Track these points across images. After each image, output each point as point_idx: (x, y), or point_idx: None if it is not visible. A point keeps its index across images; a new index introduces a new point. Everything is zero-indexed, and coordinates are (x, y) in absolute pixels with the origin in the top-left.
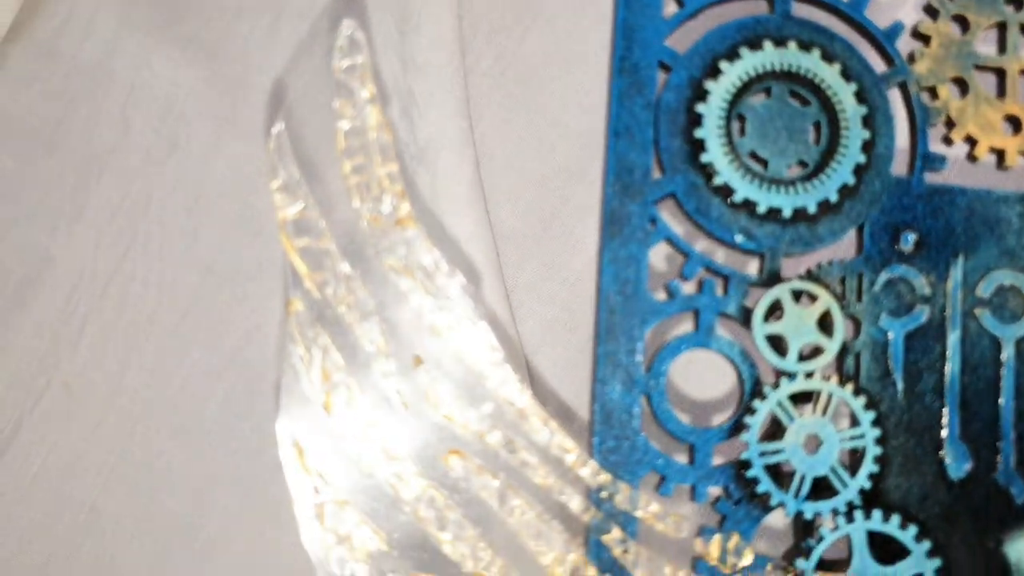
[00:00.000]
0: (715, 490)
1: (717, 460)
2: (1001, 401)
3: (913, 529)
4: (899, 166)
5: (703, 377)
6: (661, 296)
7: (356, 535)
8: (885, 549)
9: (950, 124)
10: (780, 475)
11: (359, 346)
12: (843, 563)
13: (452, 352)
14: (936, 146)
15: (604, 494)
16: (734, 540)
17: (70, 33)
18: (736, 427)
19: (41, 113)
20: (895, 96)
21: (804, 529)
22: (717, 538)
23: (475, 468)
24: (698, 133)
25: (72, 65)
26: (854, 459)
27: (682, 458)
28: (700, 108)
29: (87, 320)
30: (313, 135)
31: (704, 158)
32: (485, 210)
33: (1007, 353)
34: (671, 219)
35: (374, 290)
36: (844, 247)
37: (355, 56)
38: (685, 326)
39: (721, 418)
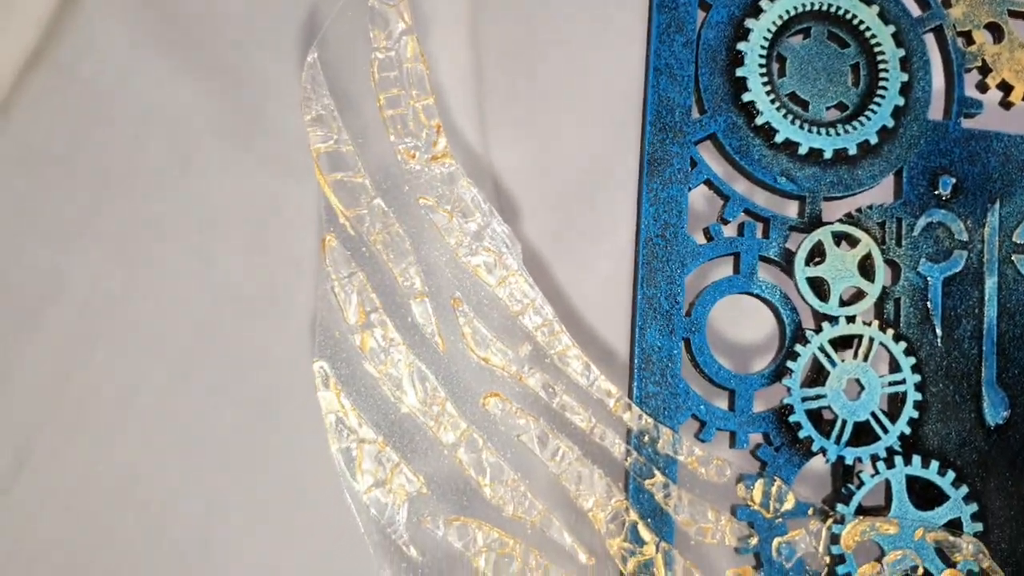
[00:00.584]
0: (755, 436)
1: (758, 406)
2: None
3: (951, 475)
4: (935, 111)
5: (744, 322)
6: (701, 239)
7: (394, 478)
8: (922, 495)
9: (985, 70)
10: (820, 421)
11: (395, 285)
12: (881, 509)
13: (490, 293)
14: (971, 91)
15: (646, 439)
16: (777, 485)
17: (88, 58)
18: (778, 372)
19: (57, 135)
20: (930, 40)
21: (844, 475)
22: (760, 483)
23: (514, 411)
24: (740, 72)
25: (89, 89)
26: (893, 405)
27: (722, 404)
28: (742, 46)
29: (99, 339)
30: (347, 66)
31: (746, 97)
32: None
33: None
34: (712, 160)
35: (410, 228)
36: (881, 192)
37: None
38: (725, 269)
39: (762, 363)
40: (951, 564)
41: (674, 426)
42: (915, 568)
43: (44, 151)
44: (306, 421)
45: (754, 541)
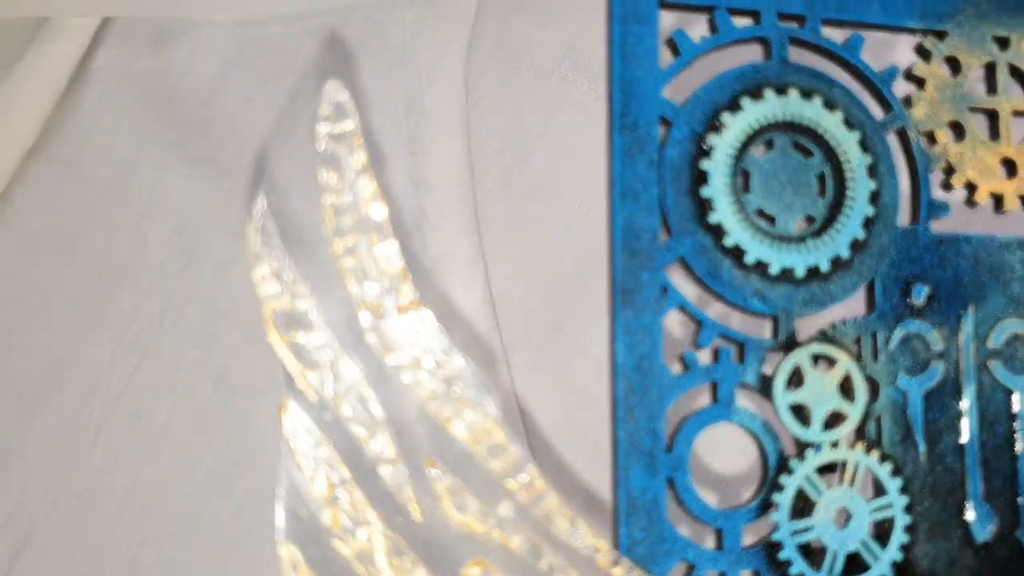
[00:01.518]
0: (746, 574)
1: (746, 540)
2: (1018, 456)
3: None
4: (902, 215)
5: (725, 452)
6: (676, 368)
7: None
8: None
9: (949, 170)
10: (810, 553)
11: (363, 451)
12: None
13: (466, 450)
14: (936, 192)
15: None
16: None
17: (90, 151)
18: (764, 505)
19: (61, 227)
20: (893, 141)
21: None
22: None
23: None
24: (704, 192)
25: (91, 181)
26: (879, 528)
27: (710, 542)
28: (705, 165)
29: (101, 430)
30: (300, 212)
31: (712, 218)
32: (495, 321)
33: (1020, 405)
34: (682, 284)
35: (377, 386)
36: (853, 303)
37: (342, 122)
38: (703, 399)
39: (746, 495)
40: None
41: (663, 573)
42: None
43: (46, 241)
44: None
45: None
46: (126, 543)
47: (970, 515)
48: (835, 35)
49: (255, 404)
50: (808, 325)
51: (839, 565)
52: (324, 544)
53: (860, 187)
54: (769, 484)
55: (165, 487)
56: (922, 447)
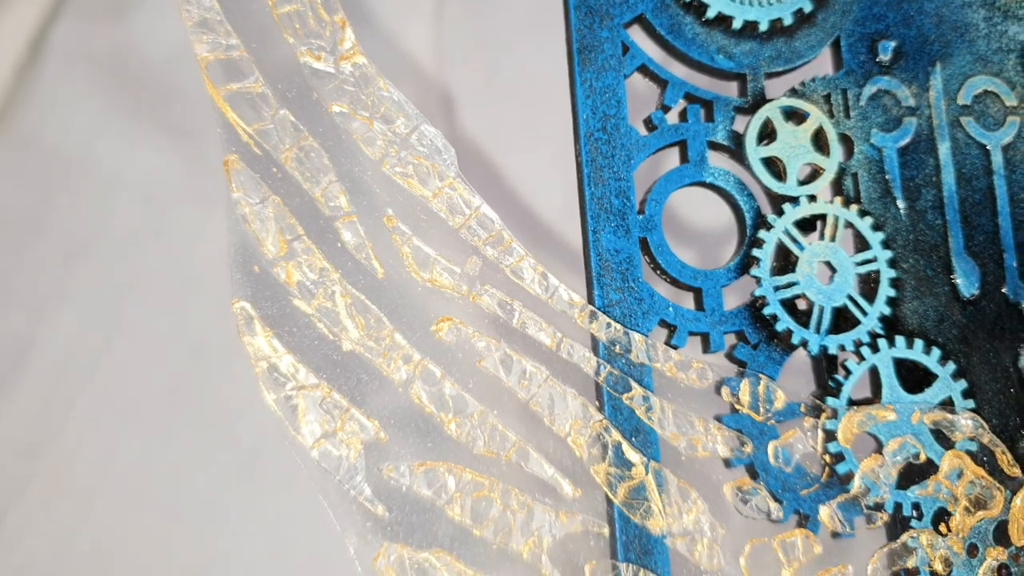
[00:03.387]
0: (730, 337)
1: (728, 304)
2: (999, 212)
3: (936, 352)
4: None
5: (700, 214)
6: (643, 130)
7: (345, 425)
8: (908, 378)
9: None
10: (796, 312)
11: (317, 207)
12: (870, 400)
13: (427, 207)
14: None
15: (617, 348)
16: (764, 384)
17: (52, 124)
18: (744, 264)
19: (23, 203)
20: None
21: (828, 367)
22: (746, 384)
23: (471, 334)
24: None
25: (54, 155)
26: (865, 286)
27: (690, 304)
28: None
29: (73, 406)
30: None
31: None
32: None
33: (996, 161)
34: (644, 44)
35: (325, 141)
36: (820, 64)
37: None
38: (673, 160)
39: (725, 257)
40: (950, 445)
41: (643, 333)
42: (916, 455)
43: (11, 218)
44: (287, 477)
45: (748, 449)
46: (101, 521)
47: (956, 271)
48: None
49: (232, 371)
50: (776, 86)
51: (827, 320)
52: (282, 301)
53: None
54: (748, 242)
55: (140, 462)
56: (902, 204)
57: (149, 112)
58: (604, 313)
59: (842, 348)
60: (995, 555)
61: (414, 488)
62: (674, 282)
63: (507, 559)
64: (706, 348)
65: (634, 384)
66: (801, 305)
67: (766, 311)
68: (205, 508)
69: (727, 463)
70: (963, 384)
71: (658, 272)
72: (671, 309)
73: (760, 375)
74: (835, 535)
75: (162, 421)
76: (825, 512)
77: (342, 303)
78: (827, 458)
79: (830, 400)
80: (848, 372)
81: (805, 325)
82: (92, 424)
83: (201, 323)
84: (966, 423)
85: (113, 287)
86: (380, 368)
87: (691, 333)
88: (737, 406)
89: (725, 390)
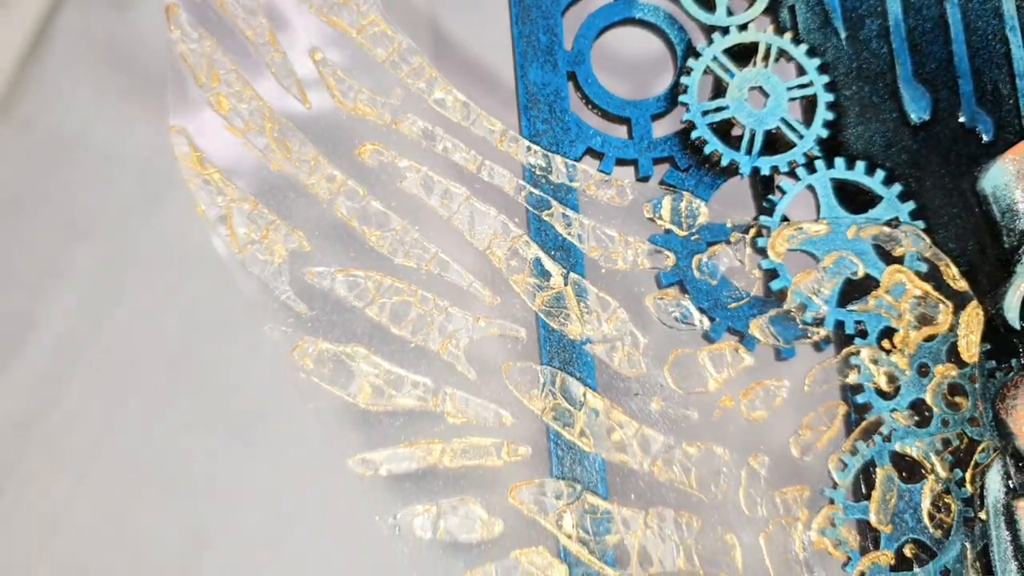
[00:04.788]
0: (663, 168)
1: (659, 133)
2: (952, 40)
3: (881, 174)
4: None
5: (631, 51)
6: None
7: (271, 235)
8: (853, 202)
9: None
10: (729, 138)
11: (249, 46)
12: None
13: (352, 40)
14: None
15: (538, 170)
16: (687, 200)
17: (50, 107)
18: (674, 95)
19: (22, 183)
20: None
21: (764, 189)
22: (668, 199)
23: (393, 158)
24: None
25: (52, 136)
26: (808, 115)
27: (623, 134)
28: None
29: (71, 380)
30: None
31: None
32: None
33: None
34: None
35: None
36: None
37: None
38: None
39: (657, 90)
40: (894, 262)
41: (572, 159)
42: (855, 271)
43: (10, 197)
44: (285, 446)
45: (670, 261)
46: (97, 491)
47: (903, 97)
48: None
49: (230, 342)
50: None
51: (758, 143)
52: (215, 125)
53: None
54: (678, 73)
55: (138, 433)
56: (843, 32)
57: (147, 95)
58: (531, 140)
59: (776, 169)
60: (944, 372)
61: (335, 290)
62: (604, 114)
63: (424, 357)
64: (637, 176)
65: (554, 202)
66: (737, 132)
67: (694, 135)
68: (202, 481)
69: (658, 282)
70: (911, 205)
71: (588, 105)
72: (599, 138)
73: (684, 191)
74: (778, 356)
75: (159, 395)
76: (755, 325)
77: (269, 128)
78: (756, 272)
79: (764, 219)
80: (783, 192)
81: (737, 148)
82: (90, 398)
83: (197, 299)
84: (908, 235)
85: (110, 262)
86: (306, 187)
87: (619, 160)
88: (659, 222)
89: (647, 206)
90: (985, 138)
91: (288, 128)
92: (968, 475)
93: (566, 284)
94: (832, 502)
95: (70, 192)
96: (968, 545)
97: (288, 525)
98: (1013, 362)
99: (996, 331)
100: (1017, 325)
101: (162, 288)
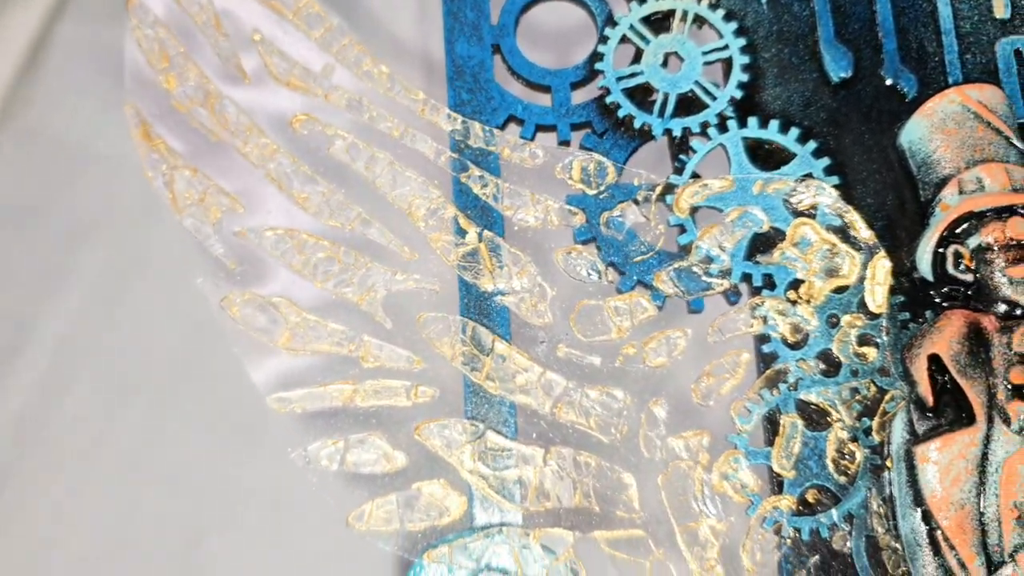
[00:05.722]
0: (581, 134)
1: (579, 100)
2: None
3: (795, 132)
4: None
5: (556, 23)
6: None
7: (207, 197)
8: (769, 160)
9: None
10: (645, 104)
11: (191, 26)
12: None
13: (288, 24)
14: None
15: (457, 136)
16: (595, 160)
17: (56, 117)
18: (592, 64)
19: (27, 191)
20: None
21: (678, 150)
22: (577, 161)
23: (322, 128)
24: None
25: (57, 146)
26: (728, 79)
27: (545, 102)
28: None
29: (73, 381)
30: None
31: None
32: None
33: None
34: None
35: None
36: None
37: None
38: None
39: (580, 60)
40: (803, 216)
41: (493, 126)
42: (760, 224)
43: (17, 204)
44: (285, 450)
45: (578, 219)
46: (98, 491)
47: (824, 58)
48: None
49: (229, 353)
50: None
51: (671, 106)
52: (163, 103)
53: None
54: (597, 42)
55: (140, 435)
56: None
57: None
58: (456, 109)
59: (688, 131)
60: (851, 322)
61: (263, 247)
62: (527, 83)
63: (343, 307)
64: (557, 140)
65: (472, 165)
66: (654, 99)
67: (608, 99)
68: (202, 482)
69: (574, 239)
70: (826, 161)
71: (513, 75)
72: (519, 105)
73: (593, 153)
74: (690, 308)
75: (159, 396)
76: (660, 278)
77: (211, 103)
78: (661, 228)
79: (672, 177)
80: (694, 152)
81: (650, 112)
82: (90, 399)
83: (199, 303)
84: (810, 188)
85: (114, 269)
86: (241, 155)
87: (539, 126)
88: (569, 181)
89: (558, 167)
90: (909, 95)
91: (226, 102)
92: (875, 423)
93: (480, 241)
94: (735, 448)
95: (73, 199)
96: (874, 491)
97: (288, 525)
98: (928, 314)
99: (913, 283)
100: (930, 276)
101: (163, 291)
